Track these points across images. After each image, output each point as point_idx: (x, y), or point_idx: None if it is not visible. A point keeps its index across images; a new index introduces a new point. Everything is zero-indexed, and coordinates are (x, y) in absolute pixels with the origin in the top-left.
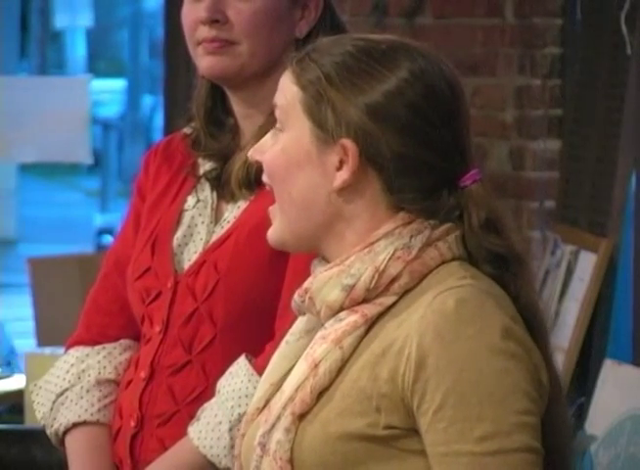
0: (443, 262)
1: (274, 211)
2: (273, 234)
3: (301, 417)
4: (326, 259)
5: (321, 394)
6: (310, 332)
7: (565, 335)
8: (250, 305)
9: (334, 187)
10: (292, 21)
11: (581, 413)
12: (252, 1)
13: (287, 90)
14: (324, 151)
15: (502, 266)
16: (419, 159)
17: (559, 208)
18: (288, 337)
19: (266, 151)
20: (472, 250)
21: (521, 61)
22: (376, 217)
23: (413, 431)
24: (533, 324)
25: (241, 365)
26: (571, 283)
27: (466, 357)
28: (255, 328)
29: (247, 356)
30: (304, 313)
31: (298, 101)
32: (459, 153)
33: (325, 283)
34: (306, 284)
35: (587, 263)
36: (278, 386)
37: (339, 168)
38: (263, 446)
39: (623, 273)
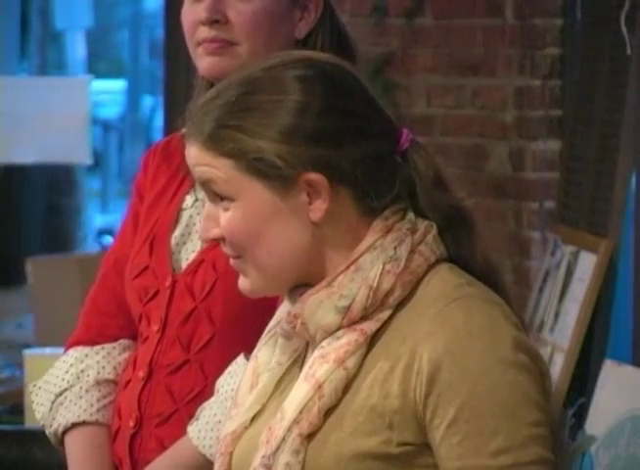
0: (429, 267)
1: (242, 268)
2: (251, 287)
3: (309, 438)
4: (305, 283)
5: (328, 413)
6: (296, 351)
7: (565, 335)
8: (248, 304)
9: (316, 220)
10: (291, 21)
11: (581, 414)
12: (252, 2)
13: (215, 165)
14: (287, 196)
15: (458, 224)
16: (372, 153)
17: (559, 208)
18: (278, 357)
19: (219, 225)
20: (429, 212)
21: (521, 61)
22: (355, 231)
23: (426, 446)
24: (493, 281)
25: (239, 364)
26: (572, 283)
27: (478, 371)
28: (254, 327)
29: (245, 356)
30: (292, 338)
31: (235, 169)
32: (387, 123)
33: (317, 308)
34: (295, 310)
35: (587, 264)
36: (270, 406)
37: (310, 203)
38: (268, 468)
39: (623, 273)
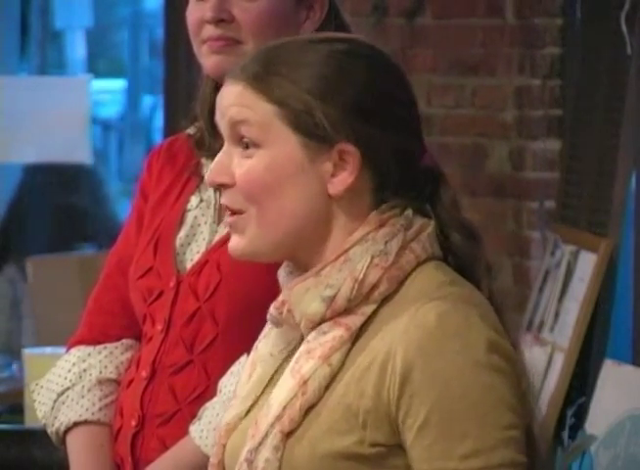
0: (418, 264)
1: (240, 225)
2: (244, 247)
3: (289, 435)
4: (296, 268)
5: (308, 410)
6: (291, 343)
7: (565, 335)
8: (251, 304)
9: (334, 193)
10: (297, 21)
11: (581, 413)
12: (258, 0)
13: (255, 108)
14: (316, 160)
15: (470, 239)
16: (406, 147)
17: (559, 208)
18: (271, 348)
19: (232, 172)
20: (444, 228)
21: (521, 61)
22: (360, 221)
23: (398, 447)
24: (501, 309)
25: (242, 365)
26: (571, 283)
27: (451, 372)
28: (257, 328)
29: (248, 356)
30: (281, 325)
31: (276, 117)
32: (420, 132)
33: (303, 295)
34: (282, 296)
35: (587, 263)
36: (262, 399)
37: (334, 175)
38: (250, 462)
39: (623, 273)
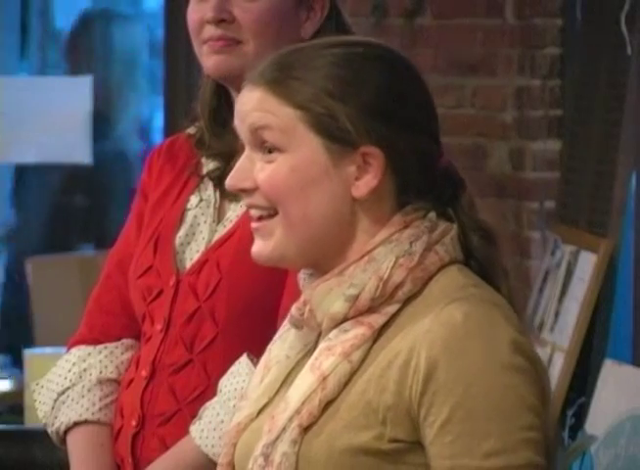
0: (442, 266)
1: (266, 229)
2: (271, 251)
3: (307, 429)
4: (318, 272)
5: (327, 405)
6: (307, 345)
7: (565, 335)
8: (251, 304)
9: (358, 196)
10: (297, 21)
11: (581, 413)
12: (259, 1)
13: (277, 112)
14: (340, 163)
15: (488, 242)
16: (426, 149)
17: (559, 208)
18: (287, 351)
19: (253, 176)
20: (465, 230)
21: (521, 61)
22: (383, 224)
23: (417, 444)
24: (519, 311)
25: (242, 364)
26: (571, 283)
27: (475, 372)
28: (257, 327)
29: (248, 355)
30: (302, 328)
31: (299, 121)
32: (438, 133)
33: (326, 294)
34: (305, 296)
35: (587, 263)
36: (276, 400)
37: (358, 178)
38: (267, 456)
39: (623, 273)
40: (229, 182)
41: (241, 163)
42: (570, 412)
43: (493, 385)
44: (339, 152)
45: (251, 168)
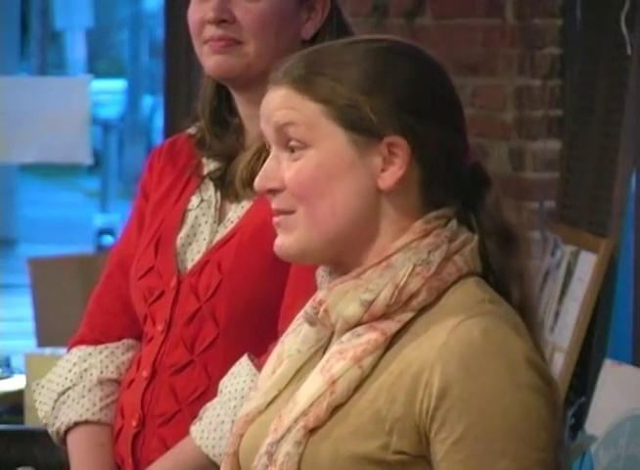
0: (459, 278)
1: (288, 223)
2: (290, 244)
3: (313, 432)
4: (336, 271)
5: (335, 410)
6: (320, 340)
7: (565, 335)
8: (252, 304)
9: (384, 187)
10: (298, 22)
11: (581, 413)
12: (260, 1)
13: (301, 108)
14: (365, 155)
15: (505, 249)
16: (452, 143)
17: (559, 208)
18: (299, 345)
19: (281, 177)
20: (484, 236)
21: (521, 61)
22: (405, 222)
23: (422, 458)
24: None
25: (243, 365)
26: (571, 283)
27: (492, 391)
28: (258, 328)
29: (249, 356)
30: (315, 325)
31: (323, 115)
32: (464, 129)
33: (341, 296)
34: (321, 296)
35: (587, 264)
36: (285, 394)
37: (383, 169)
38: (271, 455)
39: (623, 273)
40: (257, 183)
41: (268, 163)
42: (570, 412)
43: (510, 405)
44: (364, 143)
45: (278, 169)
